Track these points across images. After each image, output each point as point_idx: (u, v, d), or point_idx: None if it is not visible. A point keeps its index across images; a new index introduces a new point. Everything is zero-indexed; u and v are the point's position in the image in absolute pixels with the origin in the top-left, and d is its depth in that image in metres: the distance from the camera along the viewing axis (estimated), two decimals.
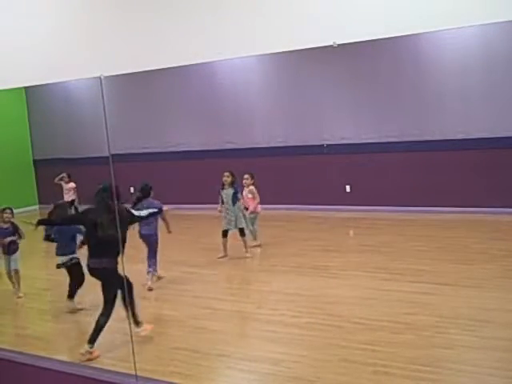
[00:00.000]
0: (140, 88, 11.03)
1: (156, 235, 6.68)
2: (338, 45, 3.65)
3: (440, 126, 9.16)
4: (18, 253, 6.69)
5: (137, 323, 5.13)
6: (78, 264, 5.99)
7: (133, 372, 4.48)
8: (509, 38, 8.30)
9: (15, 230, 6.57)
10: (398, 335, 4.79)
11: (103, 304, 4.92)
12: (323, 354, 4.61)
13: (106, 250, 4.82)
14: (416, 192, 9.27)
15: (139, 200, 6.48)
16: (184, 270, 7.35)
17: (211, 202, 9.93)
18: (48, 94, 12.53)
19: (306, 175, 10.12)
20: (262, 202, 8.00)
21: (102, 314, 4.89)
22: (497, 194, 8.56)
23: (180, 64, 4.40)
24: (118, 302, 4.98)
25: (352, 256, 7.36)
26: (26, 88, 11.64)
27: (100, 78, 4.47)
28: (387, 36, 3.58)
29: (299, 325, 5.32)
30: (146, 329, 5.16)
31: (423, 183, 9.25)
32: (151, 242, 6.66)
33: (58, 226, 5.92)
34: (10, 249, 6.61)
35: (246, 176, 7.83)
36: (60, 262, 6.01)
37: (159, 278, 6.80)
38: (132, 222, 5.34)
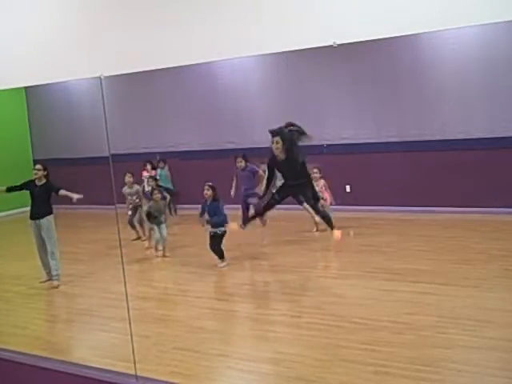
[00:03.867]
0: (140, 88, 11.02)
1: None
2: (338, 45, 3.65)
3: (440, 126, 9.16)
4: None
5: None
6: (223, 236, 7.21)
7: (133, 372, 4.48)
8: (509, 37, 8.29)
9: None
10: (398, 335, 4.79)
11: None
12: (323, 354, 4.61)
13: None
14: (416, 192, 9.26)
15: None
16: (184, 269, 7.35)
17: None
18: (48, 94, 12.52)
19: None
20: None
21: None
22: (497, 194, 8.55)
23: (180, 64, 4.40)
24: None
25: (352, 256, 7.36)
26: (26, 88, 11.63)
27: (100, 78, 4.47)
28: (387, 36, 3.58)
29: (299, 325, 5.32)
30: None
31: (423, 183, 9.24)
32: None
33: (212, 207, 7.20)
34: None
35: (315, 170, 8.24)
36: (213, 231, 7.22)
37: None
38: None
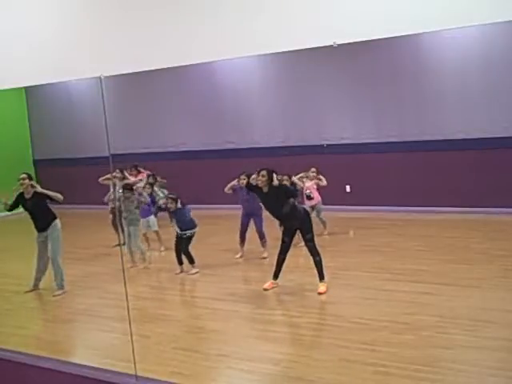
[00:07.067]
0: (140, 88, 11.02)
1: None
2: (338, 45, 3.65)
3: (440, 126, 9.16)
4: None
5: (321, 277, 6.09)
6: (190, 239, 7.19)
7: (133, 372, 4.48)
8: (509, 37, 8.29)
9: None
10: (398, 335, 4.79)
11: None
12: (323, 354, 4.61)
13: None
14: (416, 192, 9.26)
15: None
16: (184, 269, 7.34)
17: (211, 203, 9.94)
18: (48, 94, 12.52)
19: None
20: None
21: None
22: (497, 194, 8.55)
23: (180, 64, 4.40)
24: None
25: (352, 256, 7.36)
26: (26, 88, 11.63)
27: (100, 77, 4.47)
28: (387, 36, 3.58)
29: (299, 325, 5.32)
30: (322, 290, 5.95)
31: (423, 183, 9.25)
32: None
33: (179, 213, 7.22)
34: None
35: (313, 169, 8.42)
36: (180, 233, 7.21)
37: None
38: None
